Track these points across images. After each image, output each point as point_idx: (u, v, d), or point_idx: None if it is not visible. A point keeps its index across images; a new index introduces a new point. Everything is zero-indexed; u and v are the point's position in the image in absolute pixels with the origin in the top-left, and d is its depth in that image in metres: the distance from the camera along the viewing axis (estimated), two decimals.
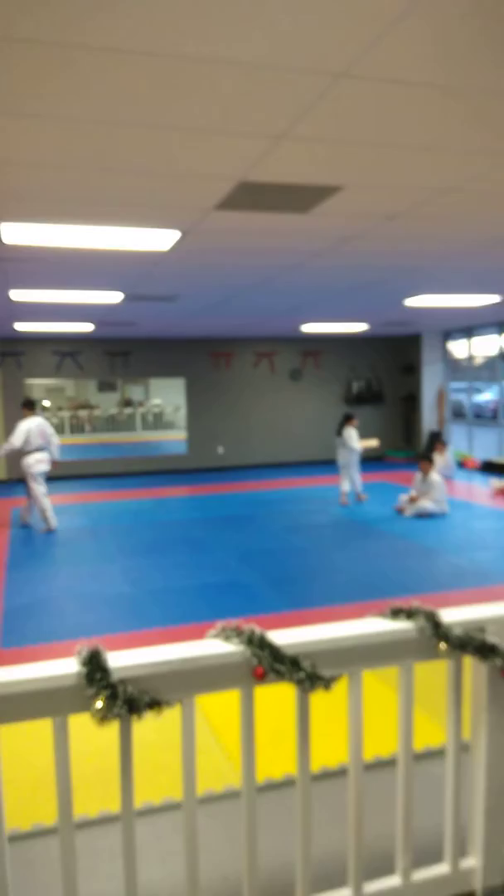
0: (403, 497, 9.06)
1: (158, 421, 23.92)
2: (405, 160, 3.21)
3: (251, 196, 3.70)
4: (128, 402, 25.25)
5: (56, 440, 8.68)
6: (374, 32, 2.04)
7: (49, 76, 2.27)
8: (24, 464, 8.43)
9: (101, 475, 13.47)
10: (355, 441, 9.75)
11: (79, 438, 21.80)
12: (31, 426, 8.40)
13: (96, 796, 2.63)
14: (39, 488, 8.41)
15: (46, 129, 2.72)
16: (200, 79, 2.32)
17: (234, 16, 1.93)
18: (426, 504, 8.75)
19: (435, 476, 8.89)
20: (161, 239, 4.64)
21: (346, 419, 9.89)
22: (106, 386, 25.50)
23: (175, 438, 18.83)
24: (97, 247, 4.82)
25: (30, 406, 8.61)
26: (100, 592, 5.81)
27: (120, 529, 8.46)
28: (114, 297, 7.39)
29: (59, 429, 22.84)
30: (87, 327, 10.78)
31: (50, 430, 8.61)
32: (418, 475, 9.06)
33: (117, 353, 13.31)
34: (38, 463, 8.42)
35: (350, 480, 9.89)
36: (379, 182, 3.55)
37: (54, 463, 8.78)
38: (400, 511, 8.94)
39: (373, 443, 10.55)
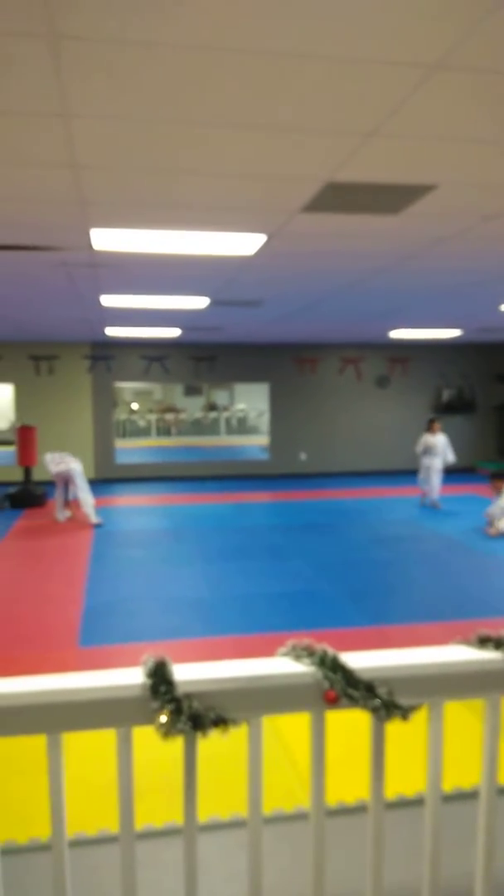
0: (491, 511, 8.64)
1: (242, 425, 24.07)
2: (503, 156, 3.02)
3: (339, 197, 3.60)
4: (212, 407, 25.56)
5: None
6: (470, 21, 1.90)
7: (131, 77, 2.26)
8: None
9: (185, 478, 13.64)
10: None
11: (165, 441, 22.24)
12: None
13: (169, 805, 2.60)
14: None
15: (130, 131, 2.72)
16: (286, 75, 2.25)
17: (321, 8, 1.85)
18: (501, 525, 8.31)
19: None
20: (246, 243, 4.61)
21: (430, 422, 10.44)
22: (192, 390, 25.92)
23: (258, 443, 18.87)
24: (184, 252, 4.84)
25: None
26: (178, 595, 5.84)
27: (201, 533, 8.51)
28: (200, 302, 7.44)
29: (147, 431, 23.43)
30: (173, 332, 10.95)
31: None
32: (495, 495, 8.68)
33: (203, 358, 13.46)
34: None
35: (430, 485, 10.22)
36: (475, 180, 3.37)
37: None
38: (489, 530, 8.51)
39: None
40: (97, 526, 8.86)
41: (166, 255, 4.98)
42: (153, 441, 22.20)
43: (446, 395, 14.17)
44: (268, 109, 2.52)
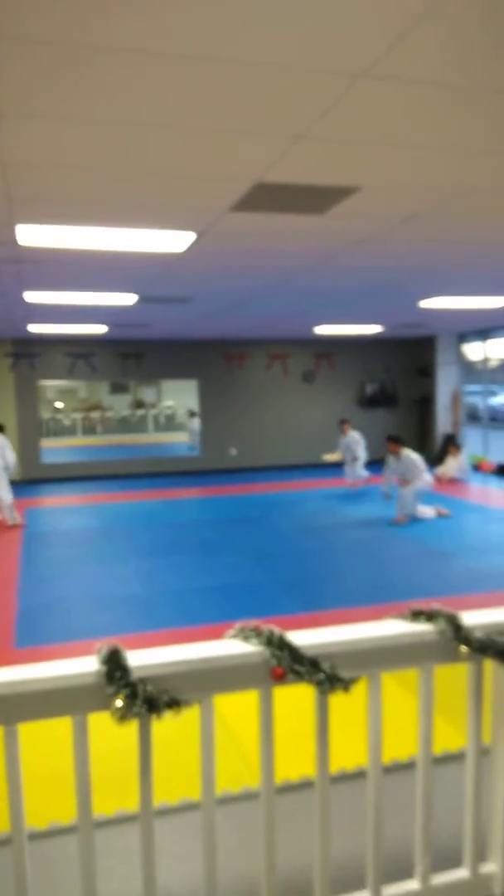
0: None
1: (170, 423, 23.97)
2: (423, 161, 3.19)
3: (268, 197, 3.70)
4: (139, 404, 25.33)
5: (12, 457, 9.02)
6: (393, 33, 2.03)
7: (65, 77, 2.28)
8: None
9: (114, 476, 13.51)
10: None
11: (91, 440, 21.88)
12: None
13: (110, 796, 2.63)
14: None
15: (62, 130, 2.73)
16: (218, 80, 2.32)
17: (254, 16, 1.93)
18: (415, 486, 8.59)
19: (407, 453, 8.77)
20: (176, 240, 4.65)
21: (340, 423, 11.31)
22: (118, 387, 25.60)
23: (187, 440, 18.86)
24: (112, 249, 4.83)
25: None
26: (113, 593, 5.83)
27: (132, 530, 8.48)
28: (128, 298, 7.41)
29: (72, 430, 22.98)
30: (100, 329, 10.82)
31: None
32: (390, 458, 8.99)
33: (130, 355, 13.35)
34: None
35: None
36: (397, 183, 3.54)
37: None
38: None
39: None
40: (21, 527, 8.66)
41: (95, 252, 4.95)
42: (79, 440, 21.81)
43: (370, 389, 14.60)
44: (199, 112, 2.58)
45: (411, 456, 8.83)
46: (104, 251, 4.92)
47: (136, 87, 2.37)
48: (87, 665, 1.70)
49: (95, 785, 1.80)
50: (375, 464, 11.07)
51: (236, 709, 3.22)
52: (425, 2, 1.87)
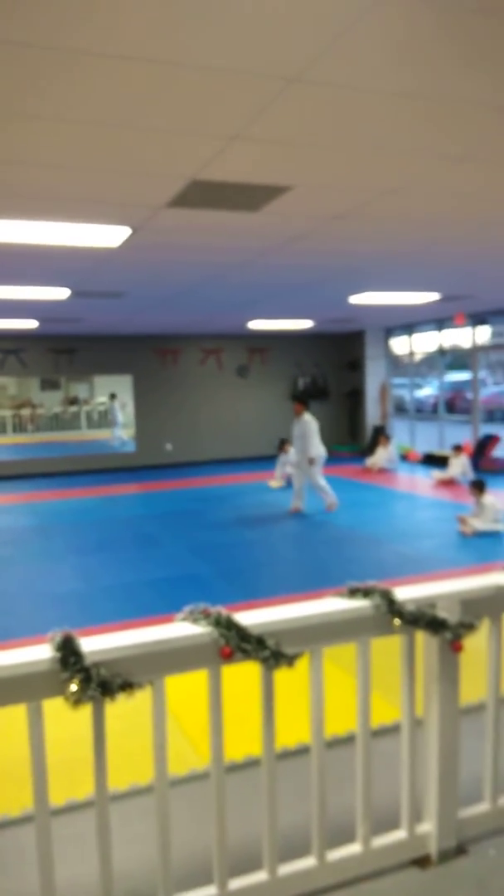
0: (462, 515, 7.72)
1: (103, 419, 23.63)
2: (352, 162, 3.33)
3: (203, 194, 3.76)
4: (73, 401, 24.86)
5: None
6: (326, 39, 2.14)
7: (3, 74, 2.28)
8: None
9: (47, 474, 13.27)
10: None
11: (22, 438, 21.34)
12: None
13: (59, 786, 2.66)
14: None
15: None
16: (155, 79, 2.38)
17: (191, 18, 2.00)
18: (478, 525, 7.42)
19: (488, 498, 7.54)
20: (111, 235, 4.65)
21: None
22: (49, 384, 25.02)
23: (112, 435, 18.69)
24: (45, 242, 4.79)
25: None
26: (51, 591, 5.78)
27: (68, 528, 8.39)
28: (60, 293, 7.32)
29: (2, 428, 22.34)
30: (30, 324, 10.60)
31: None
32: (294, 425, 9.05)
33: (62, 351, 13.12)
34: None
35: None
36: (327, 182, 3.67)
37: None
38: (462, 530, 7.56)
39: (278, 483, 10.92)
40: None
41: (26, 246, 4.89)
42: (9, 438, 21.24)
43: (302, 383, 14.85)
44: (136, 110, 2.63)
45: (310, 421, 8.88)
46: (36, 245, 4.86)
47: (73, 84, 2.39)
48: (41, 652, 1.74)
49: (52, 772, 1.84)
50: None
51: (179, 694, 3.29)
52: (356, 9, 1.98)
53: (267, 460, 13.63)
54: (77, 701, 1.71)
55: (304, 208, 4.18)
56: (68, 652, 1.72)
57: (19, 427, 22.78)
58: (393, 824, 2.34)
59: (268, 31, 2.08)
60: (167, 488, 11.34)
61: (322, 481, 8.92)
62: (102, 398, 23.29)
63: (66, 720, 1.78)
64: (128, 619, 4.91)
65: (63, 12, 1.93)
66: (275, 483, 11.06)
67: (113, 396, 19.87)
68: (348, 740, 2.63)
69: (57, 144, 2.96)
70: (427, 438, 13.76)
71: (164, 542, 7.51)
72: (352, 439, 15.07)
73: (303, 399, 9.11)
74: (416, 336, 13.73)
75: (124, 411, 18.62)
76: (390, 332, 14.39)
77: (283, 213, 4.26)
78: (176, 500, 10.23)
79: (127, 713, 1.96)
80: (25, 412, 23.48)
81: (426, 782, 2.36)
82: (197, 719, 2.83)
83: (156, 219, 4.29)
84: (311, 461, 8.78)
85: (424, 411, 17.51)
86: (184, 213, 4.17)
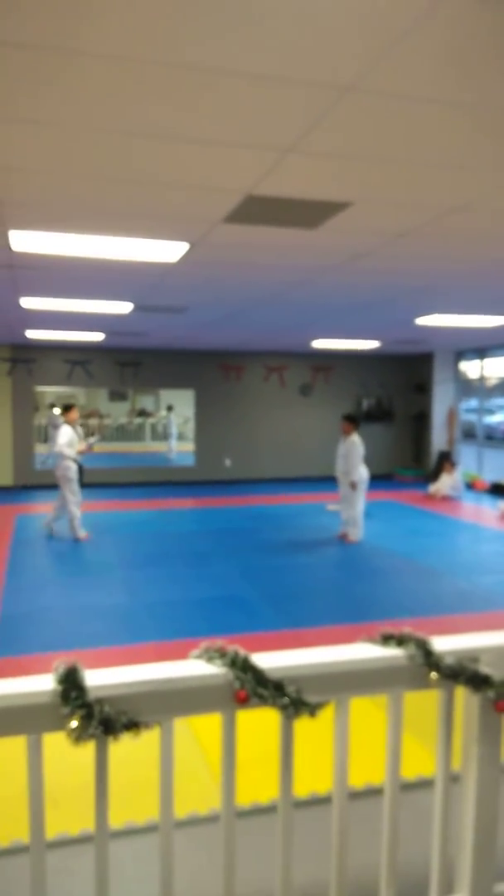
0: None
1: (167, 432, 23.92)
2: (415, 176, 3.18)
3: (259, 210, 3.68)
4: (140, 413, 25.30)
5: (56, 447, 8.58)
6: (381, 47, 2.01)
7: (57, 83, 2.26)
8: (62, 468, 8.36)
9: (108, 484, 13.45)
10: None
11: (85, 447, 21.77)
12: (71, 431, 8.53)
13: (78, 813, 2.57)
14: (64, 496, 8.40)
15: (53, 136, 2.71)
16: (209, 89, 2.31)
17: (244, 26, 1.91)
18: None
19: (354, 438, 8.21)
20: (169, 251, 4.64)
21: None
22: (117, 395, 25.56)
23: (183, 450, 18.81)
24: (106, 257, 4.82)
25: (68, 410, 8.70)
26: (98, 604, 5.77)
27: (123, 540, 8.42)
28: (123, 307, 7.40)
29: None
30: (97, 336, 10.81)
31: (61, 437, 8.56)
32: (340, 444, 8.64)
33: (128, 363, 13.34)
34: (69, 470, 8.41)
35: None
36: (389, 198, 3.52)
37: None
38: None
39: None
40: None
41: (89, 260, 4.94)
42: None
43: (366, 404, 14.59)
44: (191, 122, 2.57)
45: (357, 443, 8.48)
46: (98, 259, 4.91)
47: (127, 95, 2.35)
48: (43, 683, 1.65)
49: (66, 800, 1.74)
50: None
51: (210, 728, 3.16)
52: (412, 16, 1.85)
53: (326, 481, 13.42)
54: (78, 738, 1.61)
55: (365, 225, 4.04)
56: (70, 685, 1.62)
57: (85, 436, 23.31)
58: (421, 891, 2.13)
59: (321, 37, 1.98)
60: (223, 505, 11.28)
61: (360, 508, 8.51)
62: (164, 412, 23.60)
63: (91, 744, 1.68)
64: (167, 639, 4.83)
65: (121, 19, 1.88)
66: (333, 506, 10.83)
67: (170, 409, 20.07)
68: (378, 791, 2.43)
69: (110, 156, 2.93)
70: (496, 467, 13.23)
71: (213, 560, 7.42)
72: (416, 464, 14.67)
73: (353, 419, 8.73)
74: (489, 360, 13.27)
75: (186, 425, 18.73)
76: (461, 354, 13.97)
77: (343, 231, 4.14)
78: (230, 517, 10.14)
79: (151, 741, 1.84)
80: (93, 422, 24.03)
81: (460, 849, 2.14)
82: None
83: (213, 234, 4.24)
84: (353, 485, 8.43)
85: (495, 438, 16.89)
86: (241, 229, 4.10)
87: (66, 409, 8.69)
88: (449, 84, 2.26)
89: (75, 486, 8.41)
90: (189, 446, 15.86)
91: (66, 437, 8.42)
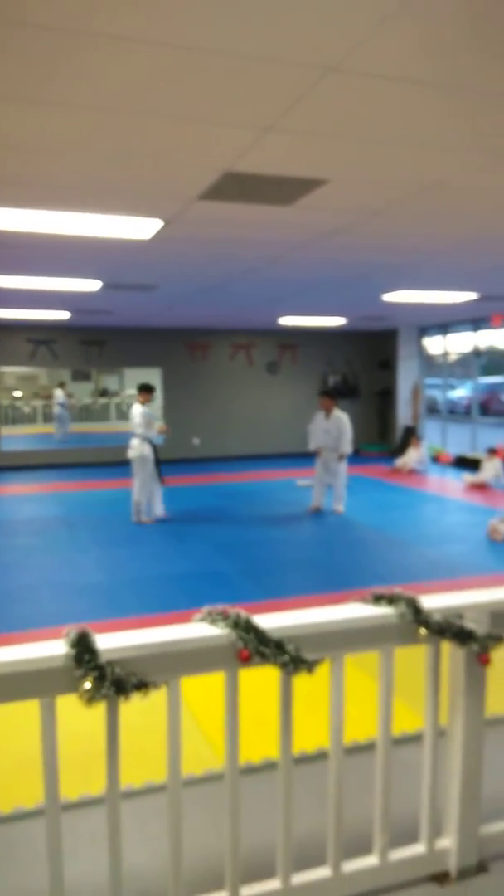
0: (494, 521, 7.47)
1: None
2: (391, 155, 3.24)
3: (236, 187, 3.71)
4: (103, 392, 25.03)
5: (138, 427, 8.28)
6: (365, 28, 2.06)
7: (30, 60, 2.25)
8: (136, 448, 8.19)
9: (75, 465, 13.37)
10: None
11: (51, 427, 21.54)
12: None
13: (74, 780, 2.65)
14: (134, 479, 8.27)
15: (26, 112, 2.69)
16: (190, 68, 2.33)
17: (226, 5, 1.94)
18: None
19: (339, 414, 8.30)
20: (143, 227, 4.63)
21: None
22: (80, 375, 25.24)
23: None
24: (77, 234, 4.78)
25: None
26: (74, 582, 5.80)
27: (96, 519, 8.43)
28: (92, 285, 7.33)
29: (32, 418, 22.58)
30: (62, 315, 10.67)
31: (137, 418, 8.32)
32: (321, 419, 8.74)
33: (93, 343, 13.20)
34: (130, 449, 8.25)
35: None
36: (364, 177, 3.58)
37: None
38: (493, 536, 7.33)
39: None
40: None
41: (58, 236, 4.89)
42: (39, 428, 21.46)
43: (332, 380, 14.73)
44: (169, 99, 2.58)
45: (343, 418, 8.66)
46: (68, 236, 4.86)
47: (106, 73, 2.35)
48: (56, 648, 1.71)
49: (61, 769, 1.81)
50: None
51: (200, 694, 3.26)
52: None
53: (294, 457, 13.56)
54: (90, 699, 1.68)
55: (339, 203, 4.09)
56: (83, 649, 1.68)
57: (50, 417, 23.01)
58: (412, 838, 2.27)
59: (306, 17, 2.01)
60: (193, 483, 11.33)
61: (345, 481, 8.84)
62: (132, 390, 23.42)
63: (85, 713, 1.75)
64: (149, 613, 4.90)
65: None
66: (304, 481, 10.97)
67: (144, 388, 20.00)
68: (368, 748, 2.56)
69: (88, 133, 2.93)
70: (459, 441, 13.54)
71: (188, 537, 7.50)
72: (381, 439, 14.91)
73: (332, 394, 8.88)
74: (451, 336, 13.51)
75: (152, 405, 18.68)
76: (424, 331, 14.18)
77: (317, 208, 4.19)
78: (202, 495, 10.21)
79: (146, 710, 1.92)
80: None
81: (448, 796, 2.29)
82: (216, 719, 2.79)
83: (188, 211, 4.24)
84: (342, 457, 8.66)
85: (457, 413, 17.25)
86: (216, 206, 4.12)
87: (142, 389, 8.39)
88: (429, 66, 2.32)
89: (152, 468, 8.22)
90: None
91: (145, 418, 8.19)
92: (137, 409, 8.28)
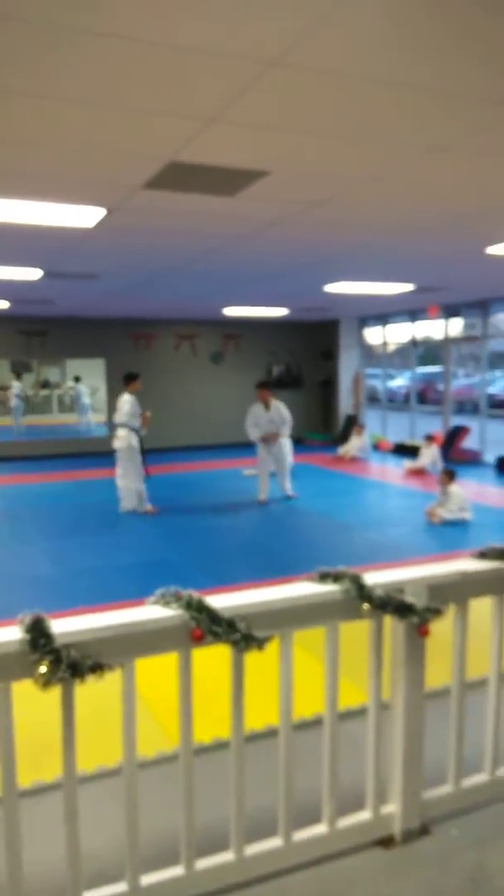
0: (431, 505, 7.71)
1: (75, 403, 23.36)
2: (331, 149, 3.32)
3: (180, 176, 3.73)
4: (44, 384, 24.51)
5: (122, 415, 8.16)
6: (306, 23, 2.12)
7: None
8: (123, 438, 8.09)
9: (17, 458, 13.10)
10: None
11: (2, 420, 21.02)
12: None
13: (25, 768, 2.65)
14: (118, 468, 8.14)
15: None
16: (136, 59, 2.34)
17: None
18: (444, 514, 7.48)
19: (454, 488, 7.66)
20: (86, 216, 4.59)
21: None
22: (20, 366, 24.63)
23: (93, 421, 18.50)
24: (18, 221, 4.70)
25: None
26: (20, 574, 5.73)
27: (38, 512, 8.31)
28: (32, 273, 7.20)
29: None
30: (1, 304, 10.42)
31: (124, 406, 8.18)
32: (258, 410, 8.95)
33: (34, 333, 12.94)
34: (116, 439, 8.12)
35: None
36: (305, 169, 3.66)
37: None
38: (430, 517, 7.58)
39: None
40: None
41: None
42: None
43: (276, 371, 14.86)
44: (114, 89, 2.59)
45: (282, 406, 8.90)
46: (7, 223, 4.77)
47: (50, 61, 2.34)
48: (10, 634, 1.73)
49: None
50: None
51: (150, 677, 3.29)
52: None
53: (239, 447, 13.64)
54: (46, 683, 1.70)
55: (280, 194, 4.16)
56: (38, 633, 1.71)
57: None
58: (358, 806, 2.38)
59: (248, 11, 2.06)
60: None
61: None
62: (71, 383, 23.04)
63: (36, 703, 1.77)
64: (98, 603, 4.89)
65: None
66: (249, 471, 11.05)
67: (77, 379, 19.73)
68: (316, 723, 2.66)
69: (32, 121, 2.90)
70: (399, 428, 13.88)
71: (135, 528, 7.49)
72: (324, 428, 15.14)
73: (269, 385, 9.09)
74: (390, 327, 13.81)
75: (94, 396, 18.48)
76: (364, 322, 14.45)
77: (259, 199, 4.24)
78: (148, 486, 10.16)
79: (96, 696, 1.96)
80: None
81: (392, 765, 2.40)
82: (166, 702, 2.84)
83: (132, 200, 4.23)
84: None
85: (396, 402, 17.68)
86: (160, 196, 4.13)
87: (129, 378, 8.30)
88: (373, 61, 2.40)
89: (139, 457, 8.10)
90: (101, 417, 15.65)
91: (132, 407, 8.05)
92: (126, 398, 8.18)
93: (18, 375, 19.90)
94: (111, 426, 13.53)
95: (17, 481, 10.70)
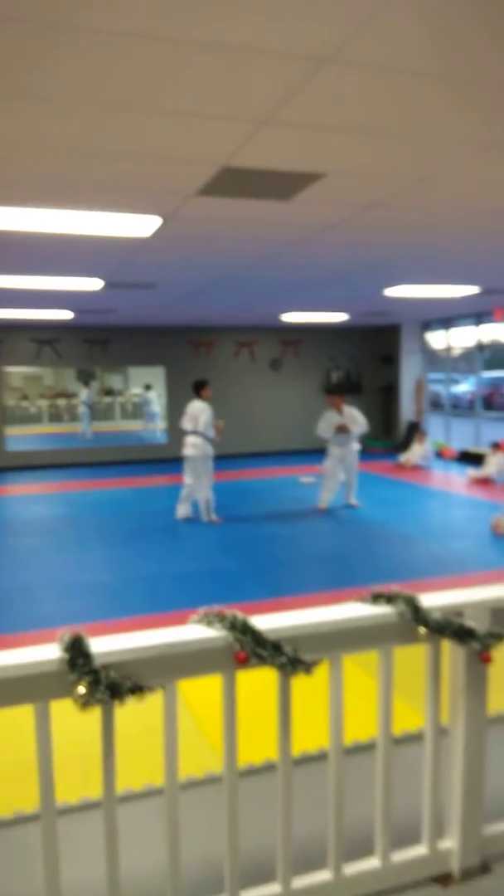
0: (498, 515, 7.46)
1: (138, 410, 23.76)
2: (389, 148, 3.21)
3: (233, 182, 3.68)
4: (108, 392, 25.05)
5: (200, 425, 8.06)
6: (359, 18, 2.03)
7: (26, 56, 2.23)
8: (197, 446, 7.99)
9: (81, 464, 13.37)
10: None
11: (57, 427, 21.59)
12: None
13: (75, 783, 2.63)
14: (186, 477, 8.12)
15: (23, 109, 2.67)
16: (184, 61, 2.30)
17: None
18: None
19: (350, 409, 8.32)
20: (142, 225, 4.60)
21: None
22: (85, 375, 25.26)
23: (160, 428, 18.76)
24: (76, 232, 4.76)
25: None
26: (80, 581, 5.79)
27: (100, 518, 8.42)
28: (93, 284, 7.31)
29: (38, 418, 22.61)
30: (66, 315, 10.66)
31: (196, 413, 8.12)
32: (332, 414, 8.76)
33: (96, 342, 13.19)
34: (189, 447, 8.06)
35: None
36: (362, 170, 3.55)
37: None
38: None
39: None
40: None
41: (58, 235, 4.87)
42: (45, 428, 21.50)
43: (335, 376, 14.68)
44: (167, 94, 2.55)
45: (354, 411, 8.81)
46: (68, 235, 4.84)
47: (98, 68, 2.33)
48: (49, 652, 1.69)
49: (61, 772, 1.79)
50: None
51: (201, 695, 3.24)
52: None
53: (298, 454, 13.53)
54: (85, 704, 1.66)
55: (337, 196, 4.06)
56: (77, 653, 1.67)
57: (55, 417, 23.06)
58: (413, 839, 2.25)
59: (298, 8, 1.98)
60: None
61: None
62: (137, 389, 23.44)
63: (88, 716, 1.73)
64: (153, 612, 4.88)
65: None
66: (307, 479, 10.93)
67: (148, 387, 20.04)
68: (369, 748, 2.54)
69: (84, 129, 2.90)
70: (463, 435, 13.47)
71: (192, 535, 7.48)
72: (385, 435, 14.85)
73: (341, 391, 8.99)
74: (454, 331, 13.43)
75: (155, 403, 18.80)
76: (427, 326, 14.11)
77: (316, 202, 4.15)
78: None
79: (144, 711, 1.90)
80: (61, 402, 23.75)
81: (449, 796, 2.26)
82: (217, 719, 2.78)
83: (186, 207, 4.21)
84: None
85: (461, 407, 17.17)
86: (215, 202, 4.09)
87: (200, 385, 8.16)
88: (425, 56, 2.28)
89: (212, 466, 8.08)
90: (163, 424, 15.83)
91: (210, 415, 7.95)
92: (200, 406, 8.04)
93: (86, 383, 20.44)
94: (179, 433, 13.72)
95: (82, 487, 10.90)
